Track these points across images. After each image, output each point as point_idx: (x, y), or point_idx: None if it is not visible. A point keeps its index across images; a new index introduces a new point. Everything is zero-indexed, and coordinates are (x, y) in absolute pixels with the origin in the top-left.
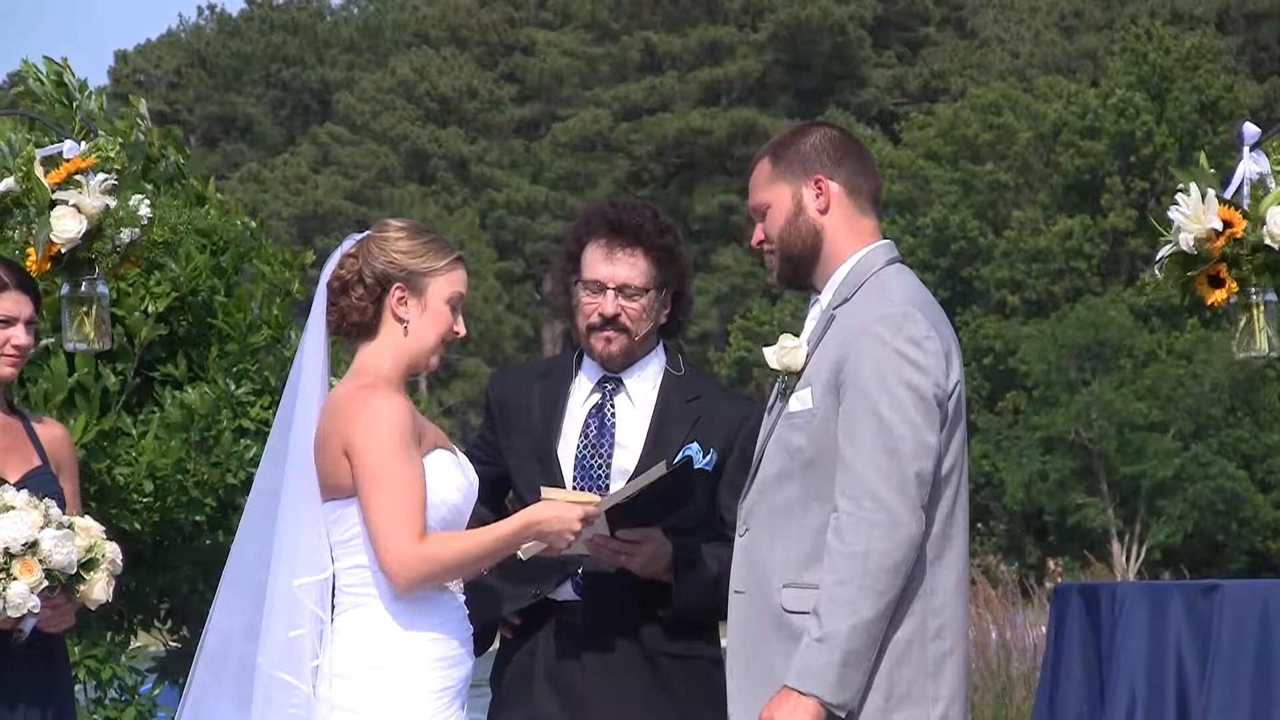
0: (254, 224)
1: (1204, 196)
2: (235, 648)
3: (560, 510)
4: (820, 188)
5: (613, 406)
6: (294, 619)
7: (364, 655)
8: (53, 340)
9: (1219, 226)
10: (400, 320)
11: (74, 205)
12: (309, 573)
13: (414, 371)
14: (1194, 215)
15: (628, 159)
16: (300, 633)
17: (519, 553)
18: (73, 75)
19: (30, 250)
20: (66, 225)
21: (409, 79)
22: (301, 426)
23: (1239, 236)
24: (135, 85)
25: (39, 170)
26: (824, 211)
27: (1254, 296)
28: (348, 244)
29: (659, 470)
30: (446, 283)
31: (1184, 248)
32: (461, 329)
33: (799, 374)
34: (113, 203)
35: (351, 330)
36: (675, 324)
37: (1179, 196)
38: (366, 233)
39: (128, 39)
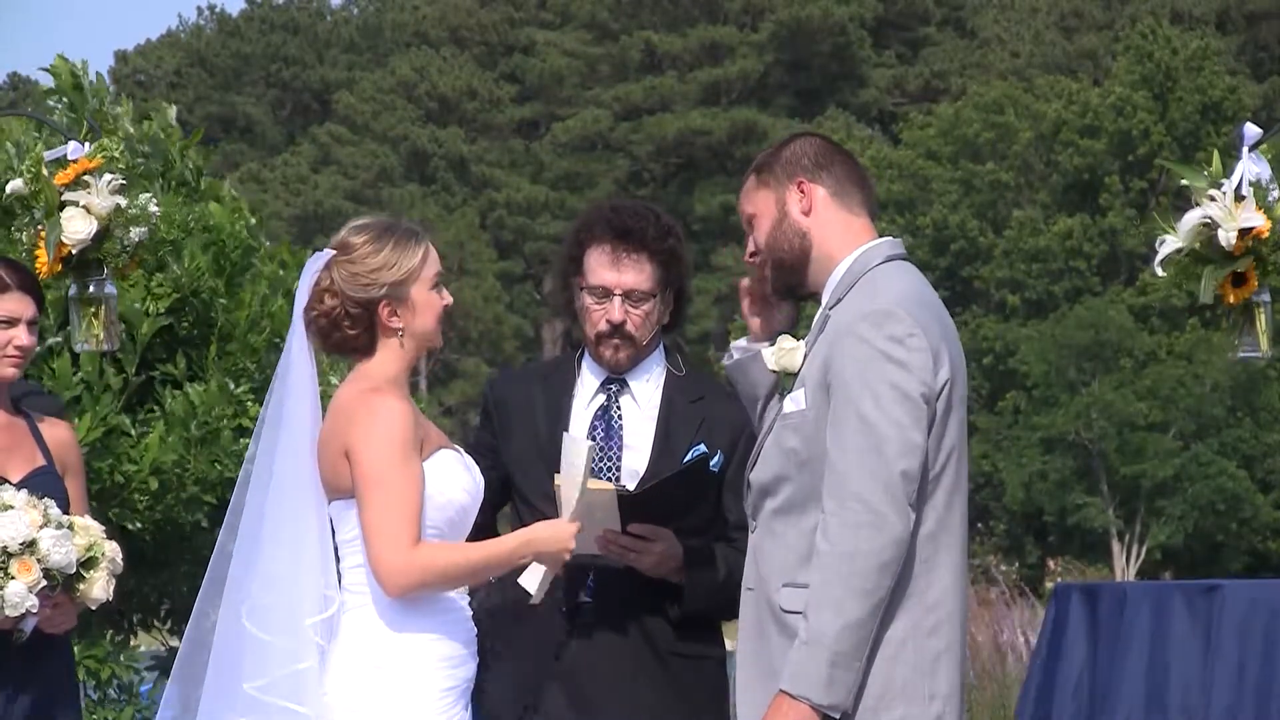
0: (253, 220)
1: (1239, 195)
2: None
3: (557, 530)
4: (803, 190)
5: (619, 408)
6: (299, 652)
7: (369, 654)
8: (58, 340)
9: (1259, 224)
10: (395, 331)
11: (83, 206)
12: (315, 610)
13: (421, 354)
14: (1230, 212)
15: (628, 159)
16: (307, 665)
17: (531, 594)
18: (87, 77)
19: (40, 252)
20: (77, 226)
21: (409, 79)
22: (292, 441)
23: (1263, 236)
24: (135, 85)
25: (45, 172)
26: (807, 213)
27: (1257, 297)
28: (315, 271)
29: (675, 469)
30: (426, 273)
31: (1225, 245)
32: (449, 298)
33: (796, 375)
34: (123, 202)
35: (350, 353)
36: (675, 321)
37: (1213, 193)
38: (329, 253)
39: (128, 39)
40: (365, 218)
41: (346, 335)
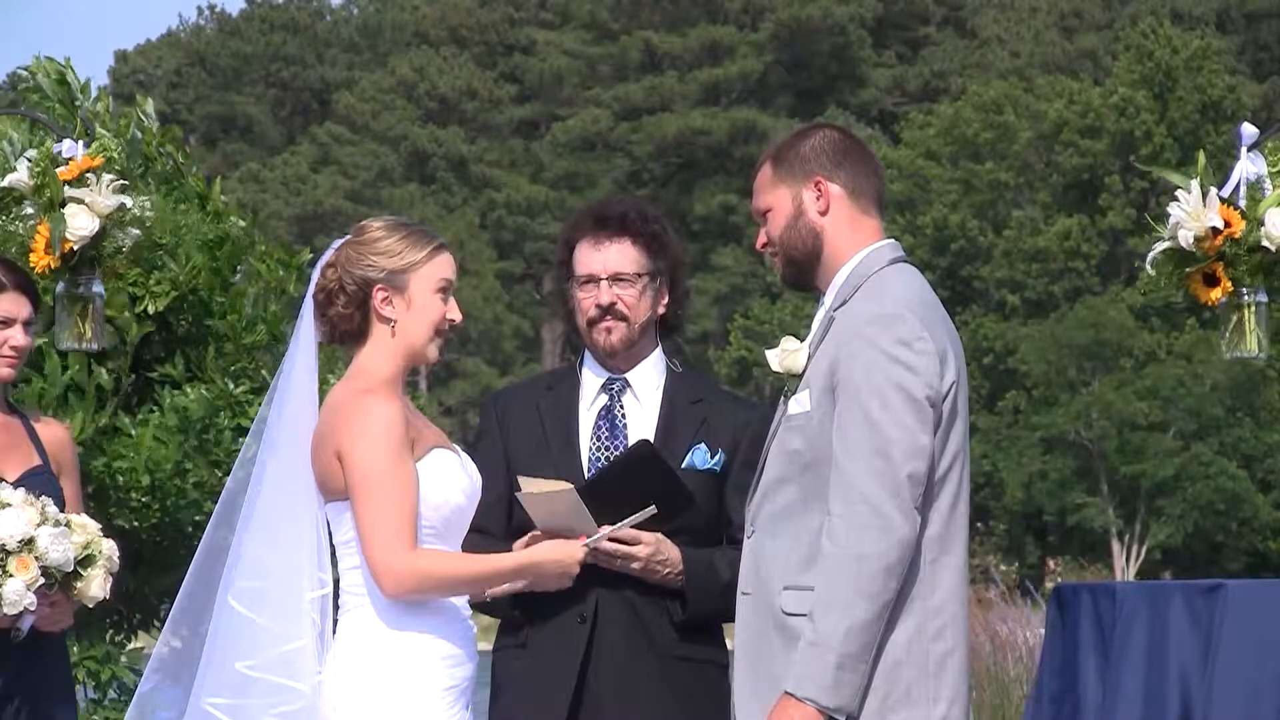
0: (243, 223)
1: (1205, 195)
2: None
3: (561, 552)
4: (820, 189)
5: (622, 407)
6: (295, 631)
7: (369, 655)
8: (45, 340)
9: (1219, 225)
10: (387, 321)
11: (86, 204)
12: (314, 587)
13: (414, 365)
14: (1194, 213)
15: (628, 159)
16: (302, 644)
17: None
18: (75, 76)
19: (36, 247)
20: (81, 223)
21: (409, 79)
22: (293, 432)
23: (1236, 236)
24: (135, 85)
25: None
26: (824, 213)
27: (1245, 297)
28: (329, 252)
29: (623, 457)
30: (430, 272)
31: (1184, 245)
32: (456, 315)
33: (800, 377)
34: (128, 202)
35: (344, 338)
36: (675, 317)
37: (1179, 193)
38: (346, 237)
39: (128, 39)
40: (396, 216)
41: (340, 312)
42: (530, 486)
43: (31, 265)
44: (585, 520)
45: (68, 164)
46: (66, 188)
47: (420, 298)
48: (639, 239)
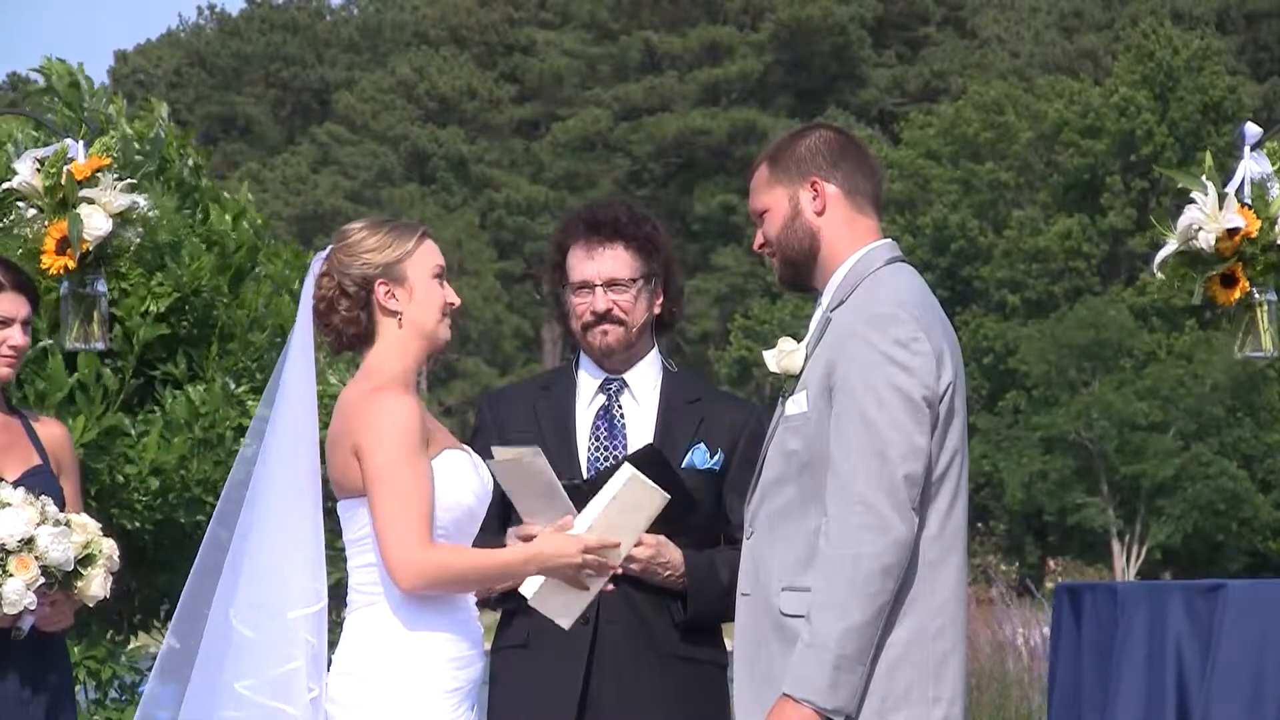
0: (259, 221)
1: (1221, 197)
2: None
3: (561, 545)
4: (816, 190)
5: (620, 407)
6: (288, 651)
7: (376, 654)
8: (50, 342)
9: (1241, 225)
10: (393, 314)
11: (100, 205)
12: (303, 604)
13: (429, 352)
14: (1212, 214)
15: (628, 159)
16: (295, 665)
17: (530, 602)
18: (87, 79)
19: (47, 248)
20: (97, 222)
21: (409, 79)
22: (289, 437)
23: (1253, 236)
24: (135, 85)
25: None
26: (820, 213)
27: (1257, 296)
28: (317, 265)
29: (621, 464)
30: (422, 259)
31: (1204, 247)
32: (455, 298)
33: (797, 377)
34: (141, 200)
35: (353, 342)
36: (670, 316)
37: (1195, 195)
38: (329, 247)
39: (128, 39)
40: (371, 217)
41: (345, 316)
42: (502, 454)
43: (44, 267)
44: (556, 491)
45: (70, 163)
46: (81, 187)
47: (420, 284)
48: (632, 243)
